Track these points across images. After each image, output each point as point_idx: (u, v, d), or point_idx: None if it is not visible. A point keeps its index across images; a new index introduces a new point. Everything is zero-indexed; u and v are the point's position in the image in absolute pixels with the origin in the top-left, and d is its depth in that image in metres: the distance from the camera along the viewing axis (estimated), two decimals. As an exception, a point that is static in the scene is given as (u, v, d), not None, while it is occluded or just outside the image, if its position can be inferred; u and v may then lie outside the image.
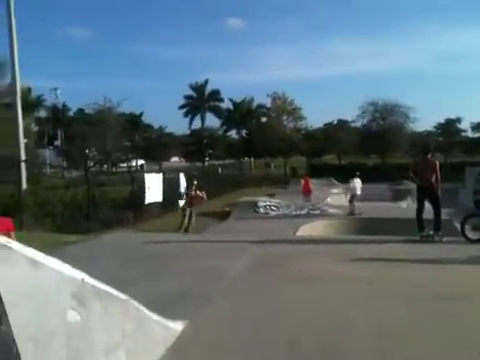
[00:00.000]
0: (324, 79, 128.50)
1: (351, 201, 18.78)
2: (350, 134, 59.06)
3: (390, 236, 10.53)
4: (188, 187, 15.61)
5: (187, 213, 14.29)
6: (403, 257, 7.98)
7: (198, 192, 14.72)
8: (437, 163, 9.94)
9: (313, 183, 26.44)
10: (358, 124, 60.20)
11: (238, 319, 4.82)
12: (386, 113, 56.56)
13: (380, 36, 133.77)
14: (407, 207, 21.70)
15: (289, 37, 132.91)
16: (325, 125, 68.58)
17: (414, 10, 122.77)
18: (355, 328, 4.42)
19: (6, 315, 0.42)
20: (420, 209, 10.04)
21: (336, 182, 35.28)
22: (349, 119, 64.50)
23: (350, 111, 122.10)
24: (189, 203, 14.58)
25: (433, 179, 9.74)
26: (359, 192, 19.02)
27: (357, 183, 19.27)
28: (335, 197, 25.54)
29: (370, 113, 57.30)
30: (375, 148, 56.02)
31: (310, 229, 14.61)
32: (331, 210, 19.32)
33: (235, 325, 4.63)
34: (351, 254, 8.24)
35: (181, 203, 20.89)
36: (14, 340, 0.41)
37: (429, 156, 10.15)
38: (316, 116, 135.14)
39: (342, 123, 66.54)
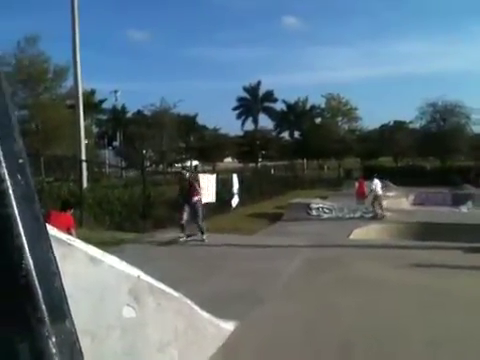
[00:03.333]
0: (382, 80, 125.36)
1: (374, 203, 18.06)
2: (407, 136, 57.26)
3: (449, 242, 10.13)
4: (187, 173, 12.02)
5: (186, 209, 10.86)
6: (462, 264, 7.66)
7: (193, 184, 11.12)
8: None
9: (368, 186, 25.81)
10: (416, 125, 58.29)
11: (290, 321, 4.81)
12: (446, 114, 54.35)
13: (441, 37, 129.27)
14: (468, 212, 20.76)
15: (346, 37, 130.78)
16: (381, 126, 66.88)
17: (476, 10, 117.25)
18: (408, 335, 4.30)
19: (70, 311, 0.45)
20: None
21: (392, 185, 34.31)
22: (407, 120, 62.60)
23: (408, 112, 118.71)
24: (188, 194, 10.97)
25: None
26: (380, 192, 18.25)
27: (376, 184, 18.49)
28: (391, 200, 24.84)
29: (429, 114, 55.29)
30: (434, 150, 53.92)
31: (363, 233, 14.30)
32: (386, 214, 18.81)
33: (287, 327, 4.62)
34: (406, 260, 8.00)
35: (234, 204, 21.16)
36: (77, 337, 0.44)
37: None
38: (372, 117, 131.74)
39: (399, 124, 64.62)
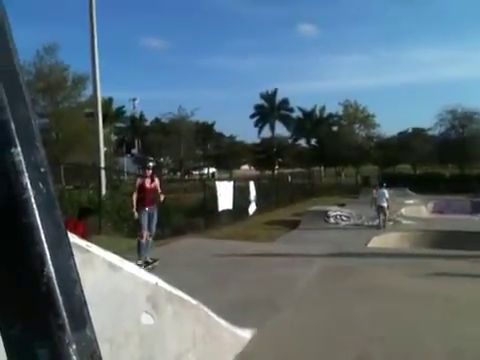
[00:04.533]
0: (399, 87, 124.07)
1: (379, 213, 17.33)
2: (426, 143, 56.60)
3: (469, 251, 9.95)
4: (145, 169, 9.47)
5: (144, 217, 8.48)
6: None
7: (155, 182, 8.89)
8: None
9: (389, 193, 25.57)
10: (435, 132, 57.62)
11: (307, 330, 4.77)
12: (466, 121, 53.63)
13: (460, 43, 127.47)
14: (489, 220, 20.39)
15: (363, 45, 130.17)
16: (399, 134, 66.27)
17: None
18: (428, 346, 4.23)
19: (90, 319, 0.45)
20: None
21: (411, 193, 33.91)
22: (425, 127, 61.93)
23: (426, 119, 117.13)
24: (146, 200, 8.53)
25: None
26: (385, 204, 17.16)
27: (382, 194, 17.62)
28: (410, 208, 24.56)
29: (448, 121, 54.64)
30: (453, 158, 53.16)
31: (382, 241, 14.14)
32: (405, 222, 18.59)
33: (304, 336, 4.59)
34: (426, 268, 7.88)
35: (251, 211, 21.15)
36: (97, 344, 0.44)
37: None
38: (390, 124, 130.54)
39: (417, 131, 63.95)
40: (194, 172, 64.51)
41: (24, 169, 0.50)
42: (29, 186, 0.50)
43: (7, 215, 0.49)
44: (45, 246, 0.49)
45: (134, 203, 8.58)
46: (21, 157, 0.50)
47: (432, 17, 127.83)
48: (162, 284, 3.12)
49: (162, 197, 9.16)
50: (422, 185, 36.12)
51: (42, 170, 0.52)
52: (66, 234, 0.53)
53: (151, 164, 9.42)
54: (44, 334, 0.48)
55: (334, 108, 62.94)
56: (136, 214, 8.55)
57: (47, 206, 0.51)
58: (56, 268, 0.49)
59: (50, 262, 0.49)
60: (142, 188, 8.60)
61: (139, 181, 8.85)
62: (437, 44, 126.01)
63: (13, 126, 0.50)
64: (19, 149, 0.50)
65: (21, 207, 0.49)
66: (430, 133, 59.51)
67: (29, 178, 0.50)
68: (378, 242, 13.80)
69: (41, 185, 0.51)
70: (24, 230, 0.49)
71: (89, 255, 2.63)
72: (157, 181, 9.05)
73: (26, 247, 0.49)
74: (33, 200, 0.49)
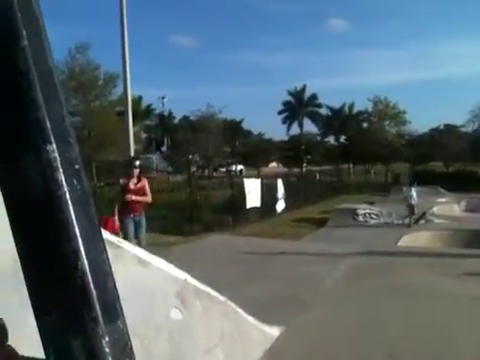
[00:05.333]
0: (431, 82, 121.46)
1: (410, 211, 17.20)
2: (459, 139, 55.21)
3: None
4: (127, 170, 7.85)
5: (130, 226, 7.52)
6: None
7: (142, 182, 7.74)
8: None
9: (417, 191, 25.11)
10: (468, 129, 56.16)
11: (335, 328, 4.74)
12: (499, 117, 52.10)
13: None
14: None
15: (394, 40, 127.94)
16: (431, 130, 64.89)
17: None
18: (458, 348, 4.14)
19: (122, 312, 0.46)
20: None
21: (443, 191, 33.15)
22: (458, 124, 60.44)
23: (459, 115, 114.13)
24: (131, 205, 7.43)
25: None
26: (414, 202, 17.26)
27: (411, 192, 17.52)
28: (442, 207, 24.03)
29: (482, 117, 53.17)
30: (488, 155, 51.73)
31: (413, 240, 13.89)
32: (436, 220, 18.21)
33: (332, 334, 4.56)
34: (457, 268, 7.71)
35: (279, 209, 21.09)
36: (129, 337, 0.45)
37: None
38: (421, 121, 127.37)
39: (450, 128, 62.47)
40: (222, 169, 64.75)
41: (59, 166, 0.51)
42: (64, 182, 0.51)
43: (43, 211, 0.51)
44: (79, 241, 0.50)
45: (115, 210, 7.32)
46: (56, 154, 0.51)
47: (465, 11, 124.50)
48: (191, 280, 3.15)
49: (147, 198, 7.74)
50: (454, 183, 35.19)
51: (76, 167, 0.54)
52: (99, 229, 0.55)
53: (137, 162, 7.94)
54: (78, 326, 0.50)
55: (363, 104, 62.09)
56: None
57: (81, 202, 0.52)
58: (90, 262, 0.50)
59: (84, 256, 0.50)
60: (126, 190, 7.35)
61: (122, 181, 7.59)
62: (470, 38, 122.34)
63: (49, 124, 0.52)
64: (54, 146, 0.51)
65: (56, 203, 0.51)
66: (463, 130, 58.05)
67: (64, 175, 0.51)
68: (408, 241, 13.57)
69: (75, 181, 0.52)
70: (59, 225, 0.50)
71: (120, 251, 2.68)
72: (145, 182, 7.81)
73: (61, 242, 0.50)
74: (68, 196, 0.51)
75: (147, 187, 7.73)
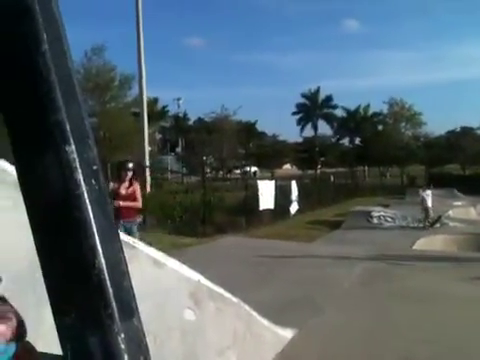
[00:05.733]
0: (447, 84, 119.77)
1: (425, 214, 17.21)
2: (476, 142, 54.48)
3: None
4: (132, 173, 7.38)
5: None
6: None
7: (134, 186, 7.22)
8: None
9: (433, 194, 24.83)
10: (485, 132, 55.41)
11: (349, 331, 4.71)
12: (519, 119, 51.25)
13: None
14: None
15: (409, 41, 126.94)
16: (448, 132, 64.14)
17: None
18: (473, 350, 4.09)
19: (138, 310, 0.47)
20: None
21: (459, 194, 32.72)
22: (474, 126, 59.70)
23: (476, 118, 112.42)
24: (121, 211, 6.73)
25: None
26: (429, 204, 17.33)
27: (427, 194, 17.57)
28: (458, 210, 23.72)
29: (500, 119, 52.39)
30: (505, 158, 50.95)
31: (428, 243, 13.74)
32: (452, 224, 17.98)
33: (346, 337, 4.53)
34: (472, 272, 7.61)
35: (293, 211, 21.02)
36: (144, 334, 0.46)
37: None
38: (438, 123, 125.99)
39: (467, 130, 61.69)
40: (236, 171, 64.77)
41: (78, 166, 0.53)
42: (82, 182, 0.52)
43: (62, 210, 0.52)
44: (97, 239, 0.51)
45: None
46: (75, 155, 0.53)
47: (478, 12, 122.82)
48: (204, 281, 3.16)
49: (138, 203, 7.14)
50: (471, 186, 34.73)
51: (94, 167, 0.55)
52: (116, 229, 0.56)
53: (130, 165, 7.36)
54: (94, 323, 0.51)
55: (379, 106, 61.60)
56: None
57: (99, 202, 0.53)
58: (107, 260, 0.51)
59: (101, 255, 0.51)
60: (116, 195, 6.84)
61: (112, 186, 7.08)
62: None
63: (68, 126, 0.53)
64: (73, 147, 0.53)
65: (75, 202, 0.52)
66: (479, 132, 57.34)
67: (82, 175, 0.53)
68: (424, 244, 13.42)
69: (93, 181, 0.54)
70: (77, 224, 0.52)
71: (135, 251, 2.70)
72: (137, 186, 7.29)
73: (79, 240, 0.51)
74: (86, 196, 0.52)
75: (138, 192, 7.21)
